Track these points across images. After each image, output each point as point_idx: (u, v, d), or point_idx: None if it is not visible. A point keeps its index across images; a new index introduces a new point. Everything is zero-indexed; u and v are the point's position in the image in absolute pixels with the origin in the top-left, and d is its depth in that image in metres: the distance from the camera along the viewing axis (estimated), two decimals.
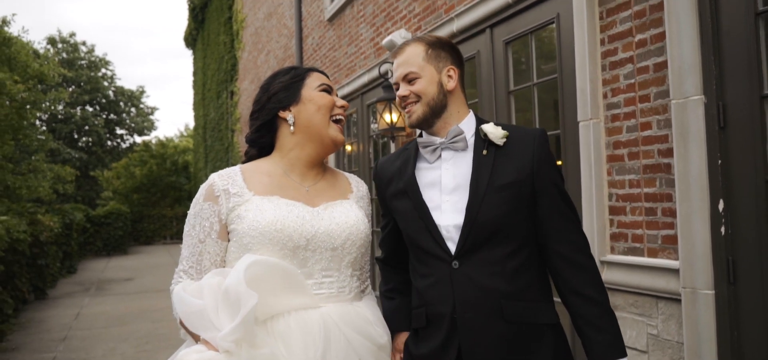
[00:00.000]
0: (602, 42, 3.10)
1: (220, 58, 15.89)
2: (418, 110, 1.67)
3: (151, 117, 35.58)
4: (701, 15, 2.50)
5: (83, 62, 33.05)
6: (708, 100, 2.49)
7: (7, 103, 11.80)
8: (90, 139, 33.06)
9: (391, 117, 5.21)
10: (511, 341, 1.56)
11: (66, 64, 30.19)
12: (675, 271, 2.66)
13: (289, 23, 9.52)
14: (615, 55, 3.02)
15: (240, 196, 1.59)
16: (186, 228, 1.63)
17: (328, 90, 1.72)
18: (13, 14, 14.43)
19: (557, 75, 3.46)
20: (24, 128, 13.11)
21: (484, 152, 1.63)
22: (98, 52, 39.72)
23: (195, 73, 21.91)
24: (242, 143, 13.02)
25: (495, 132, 1.63)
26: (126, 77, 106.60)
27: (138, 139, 33.62)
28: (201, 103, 20.45)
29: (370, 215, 1.79)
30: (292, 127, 1.68)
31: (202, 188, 1.64)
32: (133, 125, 34.78)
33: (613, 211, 3.07)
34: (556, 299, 1.69)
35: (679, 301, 2.64)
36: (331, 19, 7.46)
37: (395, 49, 1.74)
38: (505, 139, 1.63)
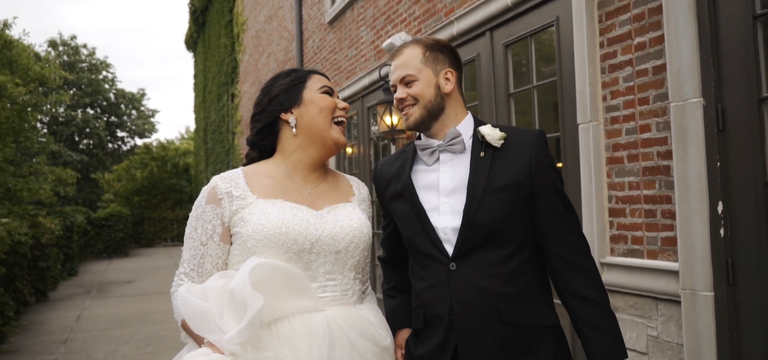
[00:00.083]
0: (601, 45, 3.11)
1: (220, 61, 15.91)
2: (415, 113, 1.67)
3: (152, 119, 35.68)
4: (700, 18, 2.51)
5: (84, 65, 33.12)
6: (707, 102, 2.50)
7: (9, 105, 11.82)
8: (91, 142, 33.11)
9: (391, 119, 5.21)
10: (509, 343, 1.55)
11: (67, 67, 30.24)
12: (674, 273, 2.67)
13: (289, 26, 9.54)
14: (614, 58, 3.04)
15: (243, 199, 1.59)
16: (187, 230, 1.62)
17: (330, 92, 1.72)
18: (15, 17, 14.47)
19: (557, 78, 3.47)
20: (25, 131, 13.14)
21: (482, 154, 1.62)
22: (99, 55, 39.81)
23: (196, 76, 21.94)
24: (243, 146, 13.04)
25: (492, 134, 1.63)
26: (127, 80, 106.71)
27: (139, 142, 33.69)
28: (202, 106, 20.47)
29: (371, 217, 1.80)
30: (294, 130, 1.68)
31: (205, 191, 1.63)
32: (133, 128, 34.84)
33: (612, 213, 3.08)
34: (557, 301, 1.69)
35: (678, 302, 2.65)
36: (332, 22, 7.48)
37: (393, 51, 1.74)
38: (502, 141, 1.62)
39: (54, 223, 11.50)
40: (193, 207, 1.64)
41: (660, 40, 2.76)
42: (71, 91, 31.33)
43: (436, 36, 4.37)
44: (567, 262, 1.60)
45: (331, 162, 7.39)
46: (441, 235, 1.61)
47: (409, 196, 1.67)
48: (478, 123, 1.70)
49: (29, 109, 13.19)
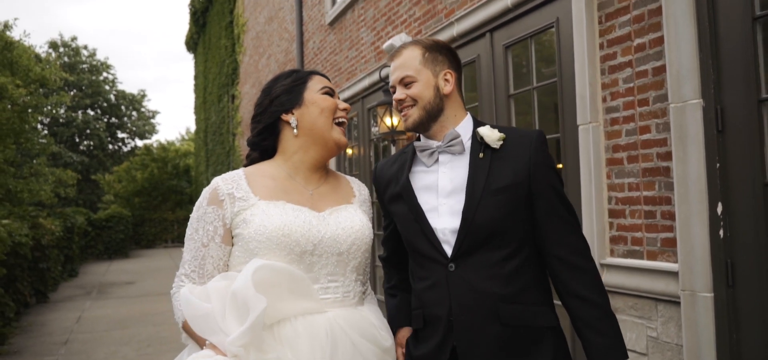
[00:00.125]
0: (601, 46, 3.12)
1: (221, 62, 15.92)
2: (414, 114, 1.67)
3: (153, 121, 35.70)
4: (699, 20, 2.52)
5: (85, 66, 33.15)
6: (706, 103, 2.50)
7: (9, 106, 11.83)
8: (91, 143, 33.13)
9: (391, 120, 5.22)
10: (508, 344, 1.55)
11: (67, 68, 30.25)
12: (674, 274, 2.67)
13: (290, 27, 9.55)
14: (614, 59, 3.04)
15: (245, 201, 1.59)
16: (188, 231, 1.62)
17: (331, 93, 1.72)
18: (15, 19, 14.43)
19: (557, 79, 3.48)
20: (26, 132, 13.14)
21: (481, 155, 1.62)
22: (100, 56, 39.90)
23: (196, 77, 21.95)
24: (243, 147, 13.04)
25: (491, 135, 1.62)
26: (127, 81, 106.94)
27: (139, 143, 33.73)
28: (202, 107, 20.49)
29: (371, 218, 1.80)
30: (295, 130, 1.67)
31: (206, 192, 1.63)
32: (134, 129, 34.86)
33: (612, 214, 3.08)
34: (557, 302, 1.69)
35: (678, 303, 2.65)
36: (332, 23, 7.49)
37: (392, 52, 1.74)
38: (501, 142, 1.62)
39: (54, 225, 11.51)
40: (194, 208, 1.64)
41: (660, 41, 2.76)
42: (72, 93, 31.34)
43: (437, 37, 4.37)
44: (566, 263, 1.59)
45: (332, 163, 7.39)
46: (440, 236, 1.61)
47: (407, 197, 1.67)
48: (477, 124, 1.69)
49: (30, 110, 13.19)
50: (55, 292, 11.25)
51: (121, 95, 34.26)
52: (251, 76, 12.70)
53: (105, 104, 33.58)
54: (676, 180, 2.61)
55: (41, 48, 27.45)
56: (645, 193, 2.88)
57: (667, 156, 2.74)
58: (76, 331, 7.64)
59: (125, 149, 34.69)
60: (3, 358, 6.34)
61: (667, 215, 2.76)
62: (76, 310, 9.22)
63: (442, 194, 1.64)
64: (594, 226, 3.11)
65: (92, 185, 31.29)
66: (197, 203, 1.64)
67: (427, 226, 1.62)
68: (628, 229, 2.98)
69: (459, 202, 1.60)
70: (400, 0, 5.59)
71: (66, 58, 32.09)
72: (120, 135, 34.80)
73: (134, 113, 34.95)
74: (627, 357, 1.57)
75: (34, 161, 17.80)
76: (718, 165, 2.47)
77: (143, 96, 35.23)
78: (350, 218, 1.66)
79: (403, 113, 1.70)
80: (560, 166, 3.47)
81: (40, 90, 15.07)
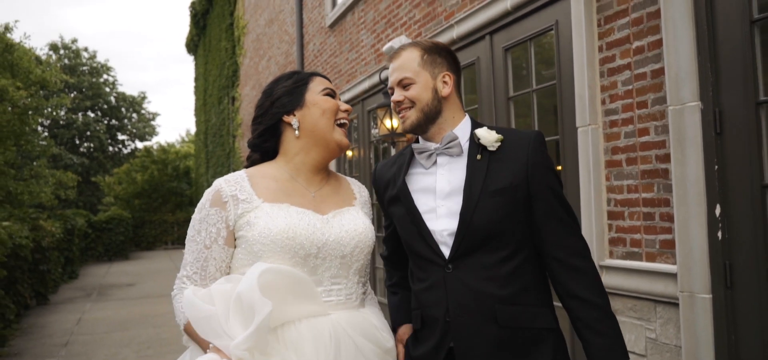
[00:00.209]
0: (600, 49, 3.13)
1: (221, 64, 15.94)
2: (412, 116, 1.66)
3: (153, 122, 35.71)
4: (697, 22, 2.53)
5: (85, 68, 33.18)
6: (704, 106, 2.51)
7: (10, 109, 11.84)
8: (92, 145, 33.15)
9: (391, 122, 5.23)
10: (506, 345, 1.55)
11: (68, 70, 30.28)
12: (673, 276, 2.68)
13: (290, 30, 9.56)
14: (613, 62, 3.05)
15: (248, 203, 1.58)
16: (190, 233, 1.61)
17: (332, 94, 1.72)
18: (16, 21, 14.44)
19: (556, 81, 3.49)
20: (26, 134, 13.16)
21: (479, 157, 1.61)
22: (100, 58, 39.79)
23: (196, 79, 21.97)
24: (243, 149, 13.05)
25: (488, 137, 1.62)
26: (127, 83, 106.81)
27: (139, 145, 33.76)
28: (202, 109, 20.50)
29: (372, 220, 1.81)
30: (297, 132, 1.67)
31: (208, 193, 1.62)
32: (134, 131, 34.88)
33: (611, 215, 3.09)
34: (557, 304, 1.69)
35: (677, 305, 2.66)
36: (332, 25, 7.50)
37: (391, 54, 1.74)
38: (498, 144, 1.61)
39: (55, 227, 11.52)
40: (197, 209, 1.63)
41: (658, 44, 2.78)
42: (72, 95, 31.37)
43: (437, 40, 4.38)
44: (565, 265, 1.58)
45: (332, 165, 7.40)
46: (437, 237, 1.61)
47: (404, 200, 1.67)
48: (475, 126, 1.69)
49: (30, 112, 13.20)
50: (55, 294, 11.26)
51: (122, 97, 34.29)
52: (251, 78, 12.71)
53: (105, 106, 33.60)
54: (674, 182, 2.62)
55: (42, 50, 27.54)
56: (644, 194, 2.89)
57: (666, 158, 2.75)
58: (77, 332, 7.65)
59: (125, 151, 34.71)
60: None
61: (665, 217, 2.77)
62: (77, 312, 9.23)
63: (440, 196, 1.64)
64: (593, 227, 3.12)
65: (92, 187, 31.30)
66: (199, 205, 1.63)
67: (424, 228, 1.62)
68: (627, 230, 2.99)
69: (457, 203, 1.60)
70: (400, 2, 5.61)
71: (66, 60, 32.12)
72: (120, 137, 34.83)
73: (134, 115, 34.97)
74: (628, 358, 1.56)
75: (35, 163, 17.81)
76: (716, 167, 2.48)
77: (143, 98, 35.26)
78: (353, 221, 1.67)
79: (401, 115, 1.69)
80: (559, 168, 3.48)
81: (41, 92, 15.08)
